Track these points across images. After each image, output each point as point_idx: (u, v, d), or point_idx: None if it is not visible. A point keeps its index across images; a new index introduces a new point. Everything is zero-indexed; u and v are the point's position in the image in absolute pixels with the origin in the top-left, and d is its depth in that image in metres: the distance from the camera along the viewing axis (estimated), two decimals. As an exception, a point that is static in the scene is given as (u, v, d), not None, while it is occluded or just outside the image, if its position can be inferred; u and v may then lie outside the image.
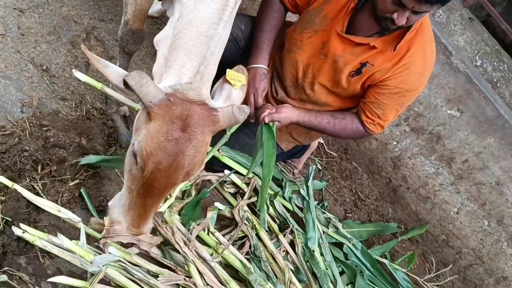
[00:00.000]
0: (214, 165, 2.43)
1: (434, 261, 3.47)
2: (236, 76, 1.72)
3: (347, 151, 3.60)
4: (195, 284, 1.90)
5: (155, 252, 1.95)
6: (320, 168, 3.15)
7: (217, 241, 2.18)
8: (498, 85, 3.54)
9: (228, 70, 1.72)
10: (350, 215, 3.22)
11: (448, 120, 3.15)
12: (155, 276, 1.86)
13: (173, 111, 1.45)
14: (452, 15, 3.52)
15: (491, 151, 3.11)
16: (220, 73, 2.12)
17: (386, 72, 2.08)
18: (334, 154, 3.50)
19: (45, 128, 2.12)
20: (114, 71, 1.51)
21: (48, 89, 2.29)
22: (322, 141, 3.41)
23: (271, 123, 2.14)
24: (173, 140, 1.44)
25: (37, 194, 1.91)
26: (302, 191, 2.70)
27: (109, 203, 1.68)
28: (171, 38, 1.67)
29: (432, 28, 3.00)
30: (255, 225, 2.33)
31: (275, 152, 2.17)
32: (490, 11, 3.75)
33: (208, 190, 2.39)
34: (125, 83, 1.42)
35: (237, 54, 2.45)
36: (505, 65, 3.51)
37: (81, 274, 1.84)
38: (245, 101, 2.06)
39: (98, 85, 2.07)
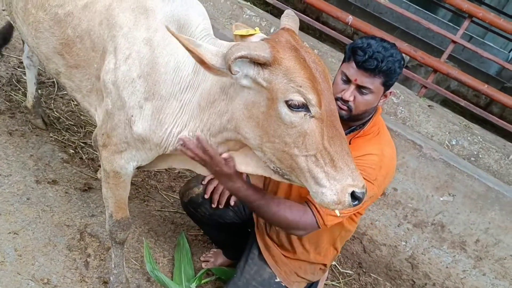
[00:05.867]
0: None
1: None
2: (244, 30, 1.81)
3: (361, 265, 3.53)
4: None
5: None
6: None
7: None
8: (480, 156, 3.64)
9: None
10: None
11: (444, 207, 3.18)
12: None
13: (282, 41, 1.56)
14: (412, 107, 3.74)
15: (497, 224, 3.09)
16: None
17: None
18: (350, 272, 3.44)
19: None
20: (207, 51, 1.52)
21: (52, 302, 2.33)
22: (334, 262, 3.37)
23: None
24: (310, 58, 1.57)
25: None
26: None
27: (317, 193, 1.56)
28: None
29: (395, 129, 3.18)
30: None
31: None
32: (445, 94, 3.99)
33: None
34: (231, 59, 1.46)
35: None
36: (479, 137, 3.63)
37: None
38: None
39: None
